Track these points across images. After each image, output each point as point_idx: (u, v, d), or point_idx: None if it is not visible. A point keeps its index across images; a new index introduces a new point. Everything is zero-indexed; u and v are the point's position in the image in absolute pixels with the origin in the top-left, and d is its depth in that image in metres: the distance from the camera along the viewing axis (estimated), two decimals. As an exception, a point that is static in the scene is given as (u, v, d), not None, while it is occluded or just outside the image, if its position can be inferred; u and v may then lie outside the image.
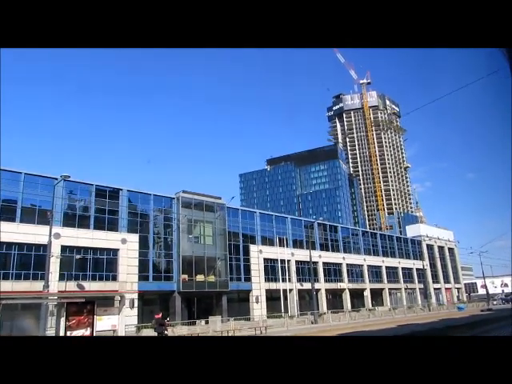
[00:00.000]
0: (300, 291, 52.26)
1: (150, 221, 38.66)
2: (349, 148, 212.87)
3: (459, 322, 28.65)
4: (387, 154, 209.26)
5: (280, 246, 49.89)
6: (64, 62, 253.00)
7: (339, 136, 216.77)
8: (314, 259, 53.10)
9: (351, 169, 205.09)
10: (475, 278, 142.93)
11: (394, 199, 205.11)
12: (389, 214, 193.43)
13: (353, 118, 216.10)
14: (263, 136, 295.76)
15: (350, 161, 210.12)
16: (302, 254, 51.73)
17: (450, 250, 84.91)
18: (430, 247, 78.08)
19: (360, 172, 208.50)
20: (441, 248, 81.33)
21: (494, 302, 77.47)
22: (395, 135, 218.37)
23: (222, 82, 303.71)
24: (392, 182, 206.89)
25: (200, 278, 40.83)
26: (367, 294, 60.57)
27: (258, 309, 45.15)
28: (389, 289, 65.36)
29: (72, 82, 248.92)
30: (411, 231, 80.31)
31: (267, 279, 47.21)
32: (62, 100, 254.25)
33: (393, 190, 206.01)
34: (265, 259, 47.42)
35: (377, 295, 64.97)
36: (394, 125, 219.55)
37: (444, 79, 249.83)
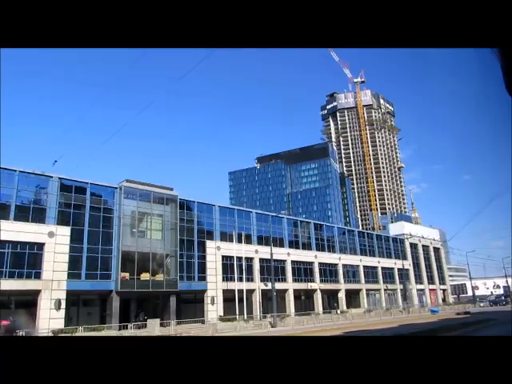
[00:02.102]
0: (266, 292, 48.13)
1: (86, 212, 34.45)
2: (342, 147, 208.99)
3: (418, 329, 24.45)
4: (381, 154, 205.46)
5: (243, 242, 45.68)
6: (63, 58, 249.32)
7: (333, 135, 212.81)
8: (281, 257, 49.13)
9: (345, 168, 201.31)
10: (469, 279, 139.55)
11: (388, 199, 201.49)
12: (382, 214, 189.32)
13: (346, 117, 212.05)
14: (255, 134, 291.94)
15: (344, 160, 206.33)
16: (268, 252, 47.52)
17: (436, 249, 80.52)
18: (413, 246, 73.76)
19: (353, 171, 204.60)
20: (425, 247, 76.91)
21: (481, 304, 73.26)
22: (389, 134, 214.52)
23: (215, 80, 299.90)
24: (386, 181, 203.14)
25: (145, 276, 36.63)
26: (342, 295, 56.26)
27: (214, 310, 40.91)
28: (366, 289, 61.00)
29: (70, 79, 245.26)
30: (394, 229, 75.89)
31: (226, 278, 42.92)
32: (60, 99, 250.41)
33: (386, 190, 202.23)
34: (224, 256, 43.13)
35: (354, 296, 60.76)
36: (388, 124, 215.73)
37: (439, 77, 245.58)
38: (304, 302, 54.46)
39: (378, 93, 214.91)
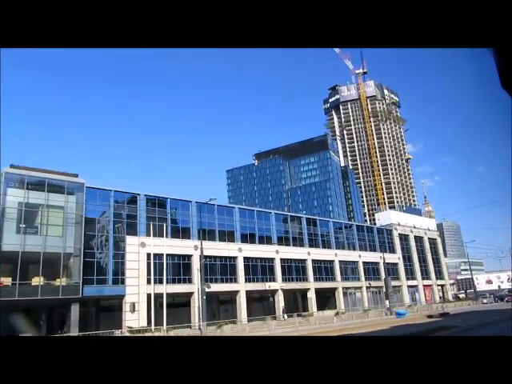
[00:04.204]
0: (216, 294, 40.74)
1: (-50, 205, 27.61)
2: (347, 141, 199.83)
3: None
4: (387, 146, 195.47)
5: (180, 237, 38.36)
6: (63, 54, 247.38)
7: (336, 129, 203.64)
8: (232, 253, 41.49)
9: (350, 162, 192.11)
10: (485, 273, 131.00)
11: (396, 192, 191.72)
12: (390, 208, 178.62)
13: (350, 110, 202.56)
14: (255, 132, 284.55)
15: (349, 154, 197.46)
16: (215, 247, 40.05)
17: (432, 240, 71.22)
18: (404, 237, 64.81)
19: (359, 165, 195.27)
20: (419, 238, 67.78)
21: (484, 301, 63.98)
22: (395, 126, 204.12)
23: (211, 76, 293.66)
24: (393, 174, 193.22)
25: (36, 281, 29.55)
26: (311, 295, 48.09)
27: (135, 319, 33.50)
28: (344, 288, 52.59)
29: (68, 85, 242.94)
30: (381, 219, 66.97)
31: (155, 280, 35.36)
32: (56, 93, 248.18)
33: (394, 183, 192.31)
34: (149, 255, 35.56)
35: (330, 296, 52.48)
36: (394, 115, 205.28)
37: (446, 66, 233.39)
38: (268, 304, 46.64)
39: (381, 83, 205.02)
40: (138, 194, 36.81)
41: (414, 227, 66.51)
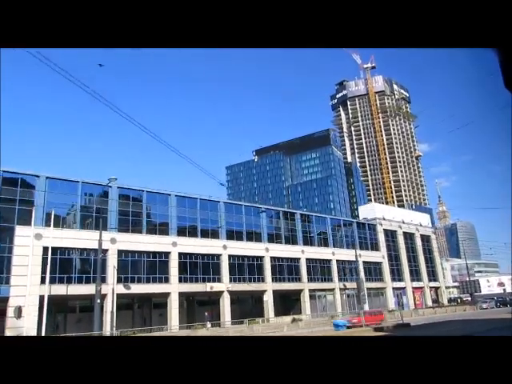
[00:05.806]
0: (143, 296, 33.97)
1: None
2: (354, 137, 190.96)
3: None
4: (396, 143, 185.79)
5: (93, 228, 31.66)
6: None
7: (344, 125, 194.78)
8: (165, 248, 34.62)
9: (357, 159, 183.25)
10: (499, 275, 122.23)
11: (405, 191, 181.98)
12: (399, 206, 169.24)
13: (358, 106, 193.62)
14: (257, 131, 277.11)
15: (357, 151, 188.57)
16: (137, 241, 33.36)
17: (425, 237, 62.59)
18: (391, 234, 56.57)
19: (367, 162, 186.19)
20: (410, 235, 59.29)
21: (484, 306, 55.30)
22: (405, 122, 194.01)
23: (211, 73, 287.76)
24: (402, 172, 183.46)
25: None
26: (268, 297, 40.67)
27: (20, 327, 26.89)
28: (313, 290, 44.93)
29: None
30: (364, 213, 58.75)
31: (55, 280, 28.79)
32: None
33: (403, 181, 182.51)
34: (52, 248, 28.93)
35: (296, 299, 44.97)
36: (403, 111, 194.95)
37: (457, 63, 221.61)
38: (216, 308, 39.38)
39: (390, 78, 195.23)
40: (37, 176, 30.17)
41: (403, 222, 58.08)
